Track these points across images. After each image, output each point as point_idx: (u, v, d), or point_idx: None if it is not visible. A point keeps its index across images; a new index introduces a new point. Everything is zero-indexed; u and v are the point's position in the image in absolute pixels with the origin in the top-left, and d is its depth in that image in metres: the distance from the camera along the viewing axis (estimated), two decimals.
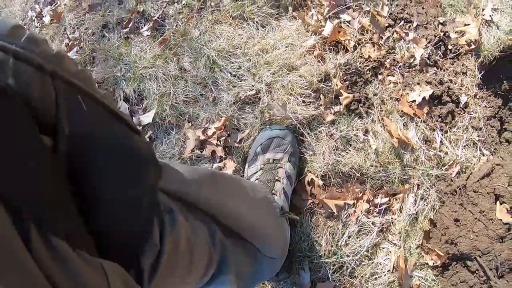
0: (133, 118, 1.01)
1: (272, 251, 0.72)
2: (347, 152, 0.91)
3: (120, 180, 0.34)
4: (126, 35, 1.08)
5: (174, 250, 0.42)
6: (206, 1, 1.05)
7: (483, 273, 0.92)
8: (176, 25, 1.05)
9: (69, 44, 1.10)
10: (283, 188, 0.86)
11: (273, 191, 0.85)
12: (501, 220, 0.89)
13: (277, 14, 1.02)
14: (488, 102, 1.05)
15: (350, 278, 0.93)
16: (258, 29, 1.00)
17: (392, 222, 0.93)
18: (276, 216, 0.78)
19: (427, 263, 0.95)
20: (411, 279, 0.96)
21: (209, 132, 0.93)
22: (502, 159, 0.96)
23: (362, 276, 0.94)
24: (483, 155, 0.99)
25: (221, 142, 0.94)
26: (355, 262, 0.92)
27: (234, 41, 0.99)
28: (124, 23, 1.09)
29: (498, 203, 0.91)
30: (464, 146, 0.98)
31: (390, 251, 0.93)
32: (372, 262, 0.93)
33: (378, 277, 0.94)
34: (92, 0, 1.13)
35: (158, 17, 1.07)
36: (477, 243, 0.89)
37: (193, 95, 0.99)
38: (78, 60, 1.07)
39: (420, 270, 0.97)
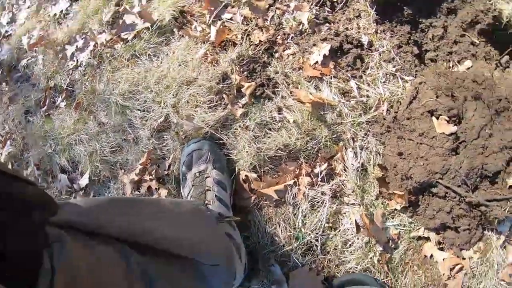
0: (74, 185, 1.04)
1: (211, 258, 0.70)
2: (268, 137, 0.90)
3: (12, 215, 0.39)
4: (46, 113, 1.14)
5: (70, 274, 0.43)
6: (102, 54, 1.11)
7: (453, 193, 0.85)
8: (85, 87, 1.10)
9: (2, 140, 1.17)
10: (216, 195, 0.85)
11: (206, 202, 0.84)
12: (443, 133, 0.84)
13: (165, 40, 1.06)
14: (394, 32, 1.03)
15: (324, 255, 0.89)
16: (152, 61, 1.04)
17: (343, 184, 0.90)
18: (211, 224, 0.77)
19: (395, 209, 0.91)
20: (386, 231, 0.91)
21: (138, 171, 0.95)
22: (423, 76, 0.93)
23: (334, 249, 0.89)
24: (407, 82, 0.96)
25: (153, 175, 0.95)
26: (321, 238, 0.88)
27: (134, 80, 1.02)
28: (41, 102, 1.15)
29: (434, 118, 0.86)
30: (384, 82, 0.95)
31: (352, 213, 0.89)
32: (339, 231, 0.89)
33: (352, 243, 0.89)
34: (11, 93, 1.21)
35: (67, 86, 1.13)
36: (430, 166, 0.84)
37: (117, 143, 1.02)
38: (14, 152, 1.14)
39: (392, 218, 0.92)
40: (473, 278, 1.00)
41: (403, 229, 0.92)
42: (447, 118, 0.84)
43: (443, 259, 0.98)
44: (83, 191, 1.03)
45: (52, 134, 1.10)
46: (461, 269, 1.00)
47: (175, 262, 0.62)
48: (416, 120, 0.87)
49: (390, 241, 0.92)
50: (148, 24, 1.07)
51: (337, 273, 0.91)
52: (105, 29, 1.13)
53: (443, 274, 0.98)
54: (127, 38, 1.08)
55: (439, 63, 1.03)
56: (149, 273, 0.55)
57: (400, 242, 0.94)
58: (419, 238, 0.93)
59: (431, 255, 0.96)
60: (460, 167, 0.84)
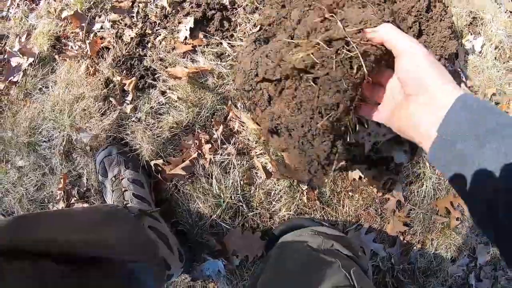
0: None
1: (133, 254, 0.71)
2: (160, 121, 0.92)
3: None
4: None
5: None
6: (0, 104, 1.13)
7: None
8: None
9: None
10: (133, 193, 0.87)
11: (125, 202, 0.86)
12: None
13: (50, 69, 1.08)
14: None
15: (252, 212, 0.91)
16: (44, 93, 1.06)
17: (245, 139, 0.92)
18: (129, 221, 0.79)
19: None
20: None
21: (60, 197, 0.97)
22: None
23: (260, 203, 0.91)
24: None
25: (77, 196, 0.98)
26: (243, 197, 0.90)
27: (33, 116, 1.05)
28: None
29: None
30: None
31: (266, 163, 0.91)
32: (258, 185, 0.91)
33: (274, 191, 0.91)
34: None
35: None
36: None
37: (38, 180, 1.04)
38: None
39: None
40: (410, 184, 1.02)
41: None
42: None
43: (373, 177, 0.99)
44: None
45: None
46: (393, 182, 1.01)
47: (95, 266, 0.63)
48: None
49: None
50: (31, 60, 1.09)
51: (273, 225, 0.93)
52: None
53: (377, 192, 1.00)
54: (17, 80, 1.11)
55: None
56: (68, 281, 0.56)
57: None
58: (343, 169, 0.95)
59: (360, 177, 0.98)
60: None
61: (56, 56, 1.09)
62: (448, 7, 0.97)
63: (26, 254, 0.53)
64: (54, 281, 0.55)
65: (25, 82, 1.09)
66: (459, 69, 1.11)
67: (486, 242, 1.14)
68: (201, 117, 0.91)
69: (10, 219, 0.58)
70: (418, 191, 1.03)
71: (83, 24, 1.07)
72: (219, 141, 0.90)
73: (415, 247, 1.08)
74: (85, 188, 0.97)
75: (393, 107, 0.51)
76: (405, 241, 1.08)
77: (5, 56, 1.17)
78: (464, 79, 1.10)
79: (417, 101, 0.44)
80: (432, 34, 0.94)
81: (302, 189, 0.92)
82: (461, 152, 0.38)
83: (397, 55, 0.46)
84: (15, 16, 1.20)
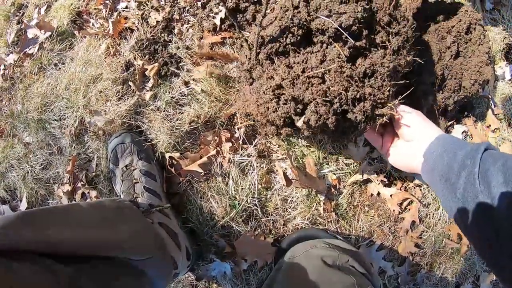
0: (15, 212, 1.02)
1: (141, 252, 0.68)
2: (181, 112, 0.88)
3: None
4: None
5: None
6: (13, 76, 1.08)
7: None
8: (4, 112, 1.08)
9: None
10: (144, 186, 0.83)
11: (135, 195, 0.82)
12: None
13: (68, 44, 1.04)
14: None
15: (266, 217, 0.87)
16: (59, 69, 1.02)
17: (267, 142, 0.88)
18: (136, 217, 0.75)
19: (328, 153, 0.88)
20: (325, 178, 0.89)
21: (67, 180, 0.93)
22: None
23: (275, 208, 0.87)
24: None
25: (84, 180, 0.94)
26: (258, 200, 0.86)
27: (45, 92, 1.00)
28: None
29: None
30: None
31: (285, 168, 0.87)
32: (275, 190, 0.87)
33: (292, 198, 0.88)
34: None
35: None
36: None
37: (44, 159, 1.00)
38: None
39: (327, 164, 0.89)
40: (427, 206, 0.99)
41: (341, 173, 0.90)
42: None
43: (391, 196, 0.96)
44: None
45: None
46: (410, 202, 0.98)
47: (104, 265, 0.60)
48: None
49: (332, 188, 0.90)
50: (49, 34, 1.04)
51: (285, 232, 0.89)
52: (12, 49, 1.11)
53: (393, 210, 0.96)
54: (32, 52, 1.06)
55: None
56: (79, 283, 0.53)
57: (344, 187, 0.92)
58: (362, 182, 0.91)
59: (378, 193, 0.94)
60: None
61: (76, 32, 1.04)
62: (486, 31, 0.93)
63: (31, 255, 0.50)
64: (68, 281, 0.51)
65: (41, 55, 1.04)
66: (489, 95, 1.07)
67: (490, 271, 1.12)
68: (220, 113, 0.87)
69: (12, 215, 0.55)
70: (433, 214, 1.00)
71: (107, 2, 1.02)
72: (240, 141, 0.85)
73: (423, 269, 1.06)
74: (93, 174, 0.93)
75: (394, 147, 0.70)
76: (413, 262, 1.06)
77: (22, 26, 1.12)
78: (492, 105, 1.07)
79: (413, 143, 0.65)
80: (469, 57, 0.90)
81: (319, 199, 0.88)
82: (439, 172, 0.55)
83: (398, 118, 0.66)
84: None
